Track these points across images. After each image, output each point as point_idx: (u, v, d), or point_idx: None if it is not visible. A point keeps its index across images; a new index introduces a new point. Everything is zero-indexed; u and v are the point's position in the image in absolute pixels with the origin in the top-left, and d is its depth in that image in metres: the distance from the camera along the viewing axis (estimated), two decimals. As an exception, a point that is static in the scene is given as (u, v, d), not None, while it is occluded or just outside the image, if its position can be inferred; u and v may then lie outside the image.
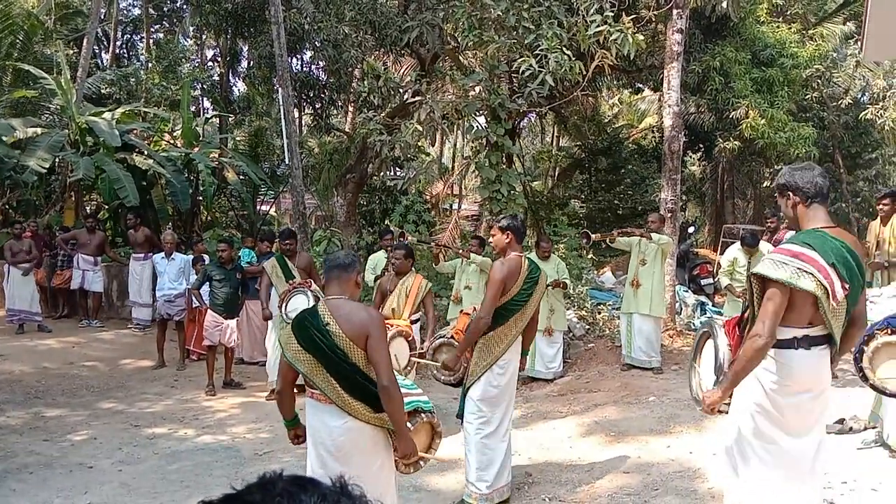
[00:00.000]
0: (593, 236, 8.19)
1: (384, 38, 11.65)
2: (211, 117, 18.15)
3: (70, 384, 8.06)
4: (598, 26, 8.30)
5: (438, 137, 21.44)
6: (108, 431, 6.34)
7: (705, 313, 10.45)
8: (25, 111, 13.84)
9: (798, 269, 2.80)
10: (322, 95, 14.01)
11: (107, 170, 11.61)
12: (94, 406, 7.21)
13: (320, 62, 13.62)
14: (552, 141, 23.62)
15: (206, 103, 20.56)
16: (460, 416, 4.66)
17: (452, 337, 5.05)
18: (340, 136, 16.55)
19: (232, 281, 7.81)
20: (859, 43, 7.38)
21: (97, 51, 19.58)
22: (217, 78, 18.88)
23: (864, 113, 15.21)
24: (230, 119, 18.03)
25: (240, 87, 20.02)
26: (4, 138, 11.59)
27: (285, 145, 10.29)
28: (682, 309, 10.48)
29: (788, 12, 15.33)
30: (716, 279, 10.77)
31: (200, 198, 14.27)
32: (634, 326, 7.96)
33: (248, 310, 8.87)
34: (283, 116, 10.40)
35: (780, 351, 2.91)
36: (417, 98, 10.40)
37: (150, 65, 18.58)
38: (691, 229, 19.07)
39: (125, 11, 21.36)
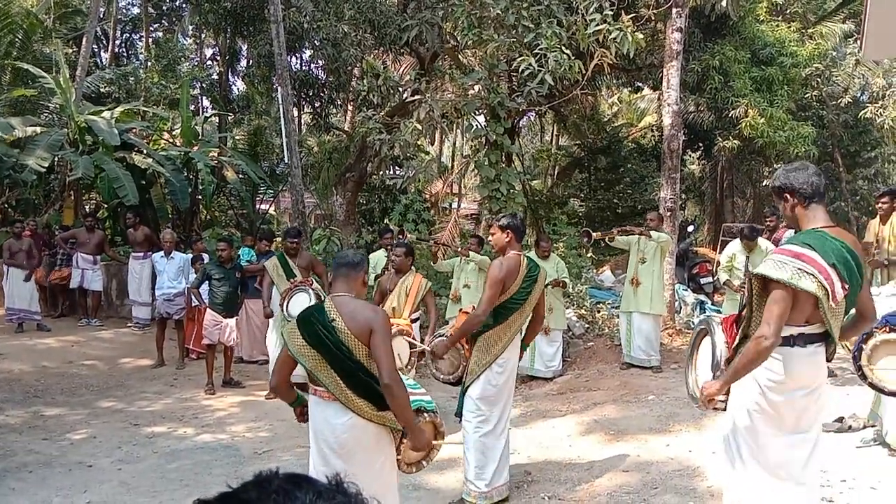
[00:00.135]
0: (594, 235, 8.19)
1: (383, 36, 11.65)
2: (210, 116, 18.15)
3: (69, 383, 8.06)
4: (597, 25, 8.29)
5: (438, 136, 21.46)
6: (107, 430, 6.34)
7: (704, 312, 10.46)
8: (24, 110, 13.83)
9: (798, 269, 2.80)
10: (321, 94, 14.01)
11: (106, 169, 11.61)
12: (93, 405, 7.21)
13: (319, 61, 13.61)
14: (551, 140, 23.62)
15: (206, 102, 20.55)
16: (459, 414, 4.67)
17: (449, 335, 5.05)
18: (340, 135, 16.54)
19: (231, 280, 7.81)
20: (859, 41, 7.38)
21: (96, 49, 19.56)
22: (216, 77, 18.86)
23: (863, 112, 15.20)
24: (229, 118, 18.03)
25: (239, 86, 20.01)
26: (3, 137, 11.58)
27: (284, 144, 10.28)
28: (681, 307, 10.48)
29: (788, 11, 15.34)
30: (715, 277, 10.77)
31: (200, 197, 14.27)
32: (634, 325, 7.97)
33: (247, 309, 8.87)
34: (282, 115, 10.40)
35: (776, 348, 2.91)
36: (417, 97, 10.41)
37: (149, 64, 18.55)
38: (691, 228, 19.08)
39: (124, 10, 21.33)
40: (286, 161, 10.72)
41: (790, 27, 13.84)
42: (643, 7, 9.63)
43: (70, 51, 16.85)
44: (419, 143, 14.99)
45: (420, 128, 9.67)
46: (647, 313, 7.91)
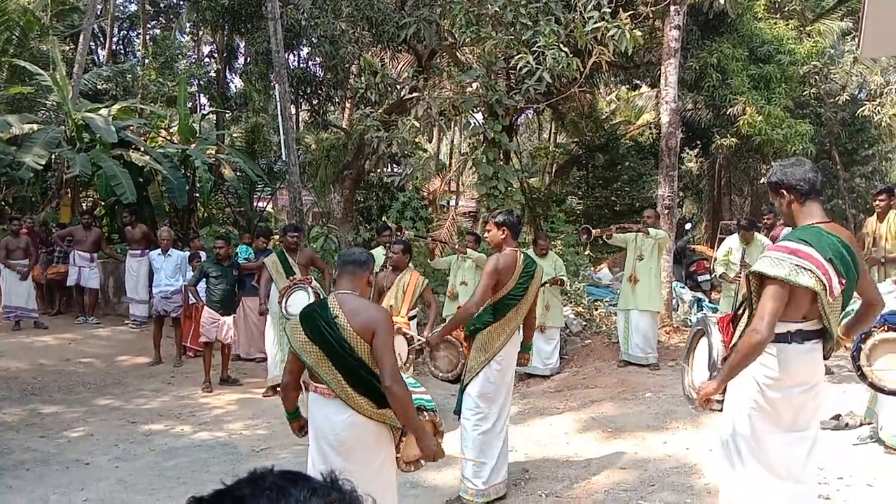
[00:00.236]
0: (594, 232, 8.18)
1: (381, 34, 11.64)
2: (207, 114, 18.12)
3: (66, 381, 8.05)
4: (595, 22, 8.29)
5: (436, 134, 21.47)
6: (104, 428, 6.33)
7: (702, 310, 10.47)
8: (21, 107, 13.79)
9: (796, 265, 2.80)
10: (319, 92, 14.01)
11: (103, 166, 11.59)
12: (90, 403, 7.20)
13: (317, 58, 13.61)
14: (549, 137, 23.62)
15: (203, 100, 20.52)
16: (458, 412, 4.66)
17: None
18: (337, 133, 16.55)
19: (228, 277, 7.80)
20: (856, 39, 7.38)
21: (93, 47, 19.53)
22: (214, 74, 18.83)
23: (861, 109, 15.24)
24: (227, 115, 18.00)
25: (236, 84, 19.99)
26: (0, 135, 11.55)
27: (282, 142, 10.27)
28: (678, 305, 10.49)
29: (786, 9, 15.34)
30: (712, 275, 10.78)
31: (197, 194, 14.25)
32: (632, 323, 7.97)
33: (244, 306, 8.87)
34: (279, 113, 10.39)
35: (773, 345, 2.91)
36: (414, 94, 10.41)
37: (146, 61, 18.53)
38: (688, 226, 19.09)
39: (122, 7, 21.31)
40: (284, 158, 10.71)
41: (788, 25, 13.83)
42: (641, 4, 9.63)
43: (67, 48, 16.84)
44: (417, 140, 14.94)
45: (418, 125, 9.66)
46: (645, 310, 7.92)
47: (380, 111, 11.23)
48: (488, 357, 4.45)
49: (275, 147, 16.01)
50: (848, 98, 15.35)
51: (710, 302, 10.67)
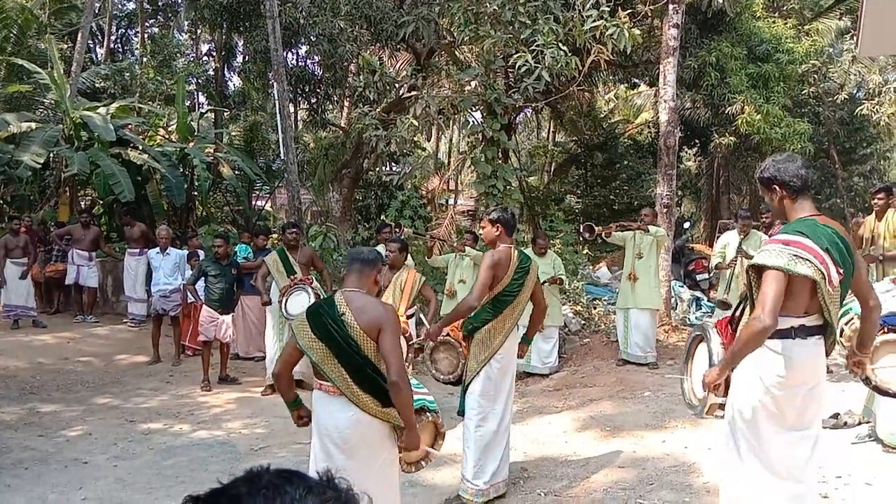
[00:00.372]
0: (597, 229, 8.17)
1: (380, 32, 11.63)
2: (206, 112, 18.09)
3: (65, 380, 8.04)
4: (594, 21, 8.29)
5: (434, 132, 21.46)
6: (103, 427, 6.33)
7: (700, 308, 10.48)
8: (19, 106, 13.76)
9: (794, 255, 2.79)
10: (317, 90, 14.00)
11: (101, 165, 11.58)
12: (89, 401, 7.20)
13: (316, 57, 13.60)
14: (548, 136, 23.63)
15: (201, 98, 20.48)
16: (461, 413, 4.65)
17: (449, 334, 5.04)
18: (336, 131, 16.53)
19: (227, 276, 7.79)
20: (855, 38, 7.38)
21: (91, 45, 19.49)
22: (212, 73, 18.81)
23: (859, 108, 15.26)
24: (225, 114, 17.97)
25: (235, 82, 19.99)
26: (-1, 133, 11.55)
27: (280, 140, 10.26)
28: (677, 304, 10.50)
29: (784, 7, 15.36)
30: (711, 274, 10.79)
31: (195, 193, 14.24)
32: (631, 321, 7.97)
33: (243, 305, 8.87)
34: (278, 111, 10.38)
35: (777, 341, 2.89)
36: (413, 93, 10.40)
37: (144, 59, 18.51)
38: (687, 224, 19.11)
39: (120, 6, 21.27)
40: (282, 157, 10.70)
41: (786, 24, 13.85)
42: (640, 3, 9.64)
43: (65, 46, 16.80)
44: (416, 139, 14.94)
45: (416, 124, 9.67)
46: (645, 309, 7.93)
47: (378, 110, 11.24)
48: (488, 356, 4.45)
49: (273, 145, 16.01)
50: (846, 97, 15.37)
51: (708, 301, 10.67)
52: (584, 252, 12.93)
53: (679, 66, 10.06)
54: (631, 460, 5.09)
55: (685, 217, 20.61)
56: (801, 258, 2.78)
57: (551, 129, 23.12)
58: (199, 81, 18.83)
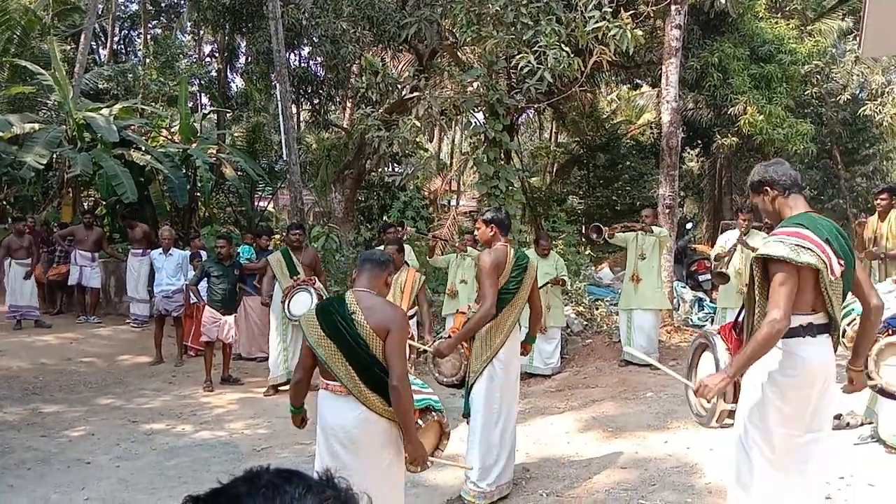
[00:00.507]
0: (605, 230, 8.15)
1: (382, 33, 11.64)
2: (208, 113, 18.14)
3: (68, 380, 8.06)
4: (596, 22, 8.28)
5: (436, 133, 21.48)
6: (105, 427, 6.34)
7: (703, 309, 10.47)
8: (23, 107, 13.81)
9: (796, 244, 2.78)
10: (320, 91, 14.01)
11: (104, 166, 11.61)
12: (91, 402, 7.21)
13: (318, 58, 13.61)
14: (550, 137, 23.62)
15: (204, 99, 20.54)
16: (467, 415, 4.64)
17: (450, 336, 5.04)
18: (338, 132, 16.55)
19: (230, 277, 7.80)
20: (857, 39, 7.38)
21: (94, 46, 19.54)
22: (215, 74, 18.86)
23: (862, 109, 15.23)
24: (228, 115, 18.02)
25: (237, 83, 20.01)
26: (1, 134, 11.57)
27: (283, 141, 10.28)
28: (679, 305, 10.49)
29: (787, 8, 15.32)
30: (713, 266, 10.78)
31: (198, 194, 14.28)
32: (634, 322, 7.96)
33: (245, 306, 8.88)
34: (280, 112, 10.40)
35: (787, 341, 2.86)
36: (415, 94, 10.40)
37: (147, 60, 18.54)
38: (689, 225, 19.10)
39: (123, 7, 21.33)
40: (285, 158, 10.71)
41: (789, 24, 13.83)
42: (642, 4, 9.62)
43: (68, 47, 16.84)
44: (418, 140, 14.96)
45: (419, 125, 9.66)
46: (648, 309, 7.92)
47: (381, 111, 11.23)
48: (490, 356, 4.44)
49: (276, 146, 16.03)
50: (849, 97, 15.35)
51: (710, 301, 10.66)
52: (587, 253, 12.93)
53: (681, 67, 10.05)
54: (633, 461, 5.08)
55: (688, 218, 20.60)
56: (803, 247, 2.78)
57: (553, 130, 23.11)
58: (202, 82, 18.88)
